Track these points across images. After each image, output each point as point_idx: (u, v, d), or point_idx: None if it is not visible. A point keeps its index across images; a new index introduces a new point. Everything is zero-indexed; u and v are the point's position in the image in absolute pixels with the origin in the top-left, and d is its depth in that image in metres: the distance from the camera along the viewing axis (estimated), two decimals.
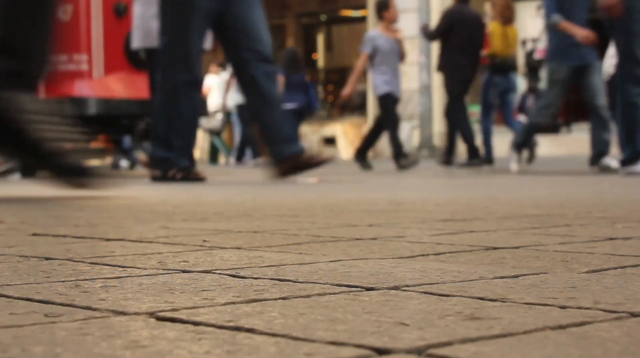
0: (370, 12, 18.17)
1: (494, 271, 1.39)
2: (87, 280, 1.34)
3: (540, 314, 1.02)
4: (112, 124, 9.46)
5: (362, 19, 19.19)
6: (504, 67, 9.95)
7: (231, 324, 0.97)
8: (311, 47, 21.42)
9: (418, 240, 1.93)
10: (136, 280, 1.33)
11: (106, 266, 1.50)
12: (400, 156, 10.15)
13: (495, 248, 1.74)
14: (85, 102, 9.07)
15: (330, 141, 19.64)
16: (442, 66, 10.31)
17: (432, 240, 1.91)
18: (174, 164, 5.92)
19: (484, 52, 9.99)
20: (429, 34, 10.79)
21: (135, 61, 9.19)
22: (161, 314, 1.03)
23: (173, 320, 1.00)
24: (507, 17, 9.98)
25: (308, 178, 6.08)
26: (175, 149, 5.92)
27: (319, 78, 21.21)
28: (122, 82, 9.31)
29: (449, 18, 10.02)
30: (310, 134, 19.96)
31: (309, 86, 13.65)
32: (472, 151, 10.10)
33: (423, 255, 1.64)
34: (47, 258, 1.62)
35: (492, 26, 10.01)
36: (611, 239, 1.91)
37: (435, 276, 1.34)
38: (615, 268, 1.43)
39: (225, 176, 7.97)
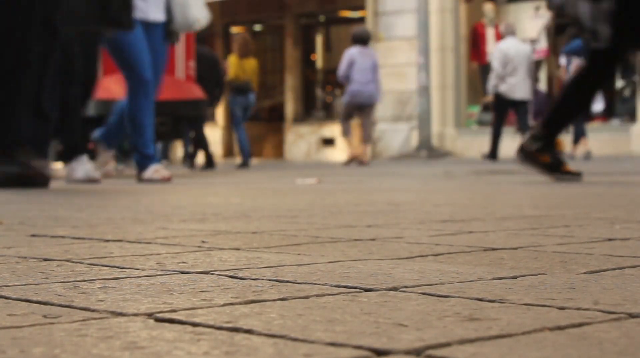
0: (368, 12, 18.17)
1: (492, 272, 1.39)
2: (85, 280, 1.33)
3: (539, 315, 1.02)
4: None
5: (361, 20, 19.19)
6: (242, 89, 12.82)
7: (230, 325, 0.97)
8: (310, 48, 21.41)
9: (417, 240, 1.93)
10: (135, 280, 1.33)
11: (105, 267, 1.50)
12: None
13: (493, 249, 1.74)
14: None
15: (329, 141, 19.63)
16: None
17: (430, 241, 1.91)
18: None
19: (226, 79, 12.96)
20: None
21: None
22: (160, 315, 1.03)
23: (172, 321, 1.00)
24: (244, 52, 12.93)
25: (307, 179, 6.07)
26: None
27: (317, 79, 21.21)
28: (121, 84, 9.30)
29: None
30: (309, 135, 19.97)
31: None
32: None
33: (422, 256, 1.65)
34: (45, 259, 1.62)
35: (230, 59, 13.08)
36: (610, 240, 1.91)
37: (433, 277, 1.34)
38: (613, 269, 1.43)
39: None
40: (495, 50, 13.65)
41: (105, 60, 9.30)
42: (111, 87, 9.21)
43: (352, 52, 12.86)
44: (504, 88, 13.11)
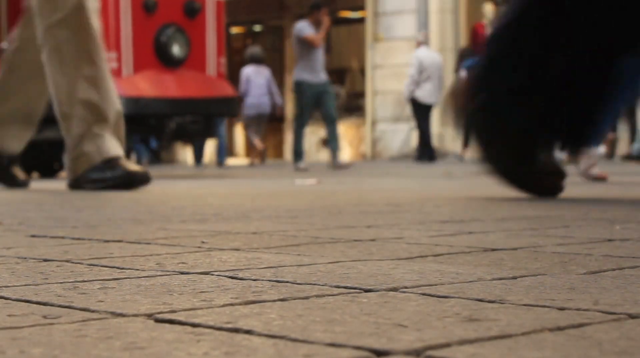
0: (368, 13, 18.17)
1: (492, 273, 1.39)
2: (85, 281, 1.33)
3: (539, 315, 1.02)
4: (140, 124, 9.06)
5: (361, 20, 19.18)
6: None
7: (230, 325, 0.97)
8: None
9: (416, 241, 1.93)
10: (134, 281, 1.33)
11: (104, 268, 1.50)
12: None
13: (493, 250, 1.74)
14: None
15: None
16: None
17: (430, 241, 1.91)
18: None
19: None
20: None
21: (165, 58, 9.02)
22: (159, 315, 1.03)
23: (171, 321, 1.00)
24: None
25: (307, 179, 6.07)
26: None
27: None
28: (152, 81, 9.03)
29: None
30: (308, 136, 19.95)
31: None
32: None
33: (421, 256, 1.64)
34: (45, 260, 1.62)
35: None
36: (609, 240, 1.91)
37: (433, 277, 1.34)
38: (613, 270, 1.43)
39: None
40: (413, 57, 14.97)
41: (135, 57, 9.06)
42: (140, 84, 8.97)
43: (247, 71, 14.82)
44: (419, 93, 14.54)
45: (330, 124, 11.56)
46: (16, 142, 5.27)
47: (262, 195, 4.31)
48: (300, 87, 11.45)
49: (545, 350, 0.84)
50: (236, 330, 0.94)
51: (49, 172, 10.01)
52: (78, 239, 2.03)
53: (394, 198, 3.80)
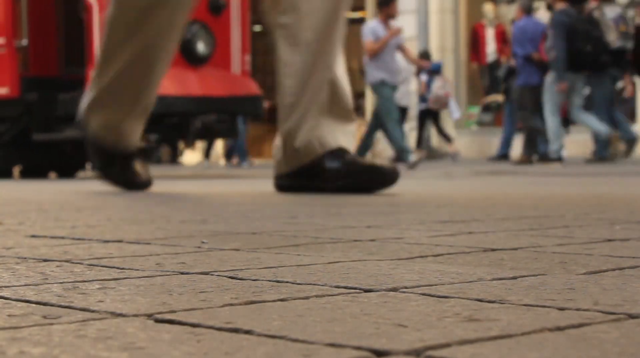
0: (368, 13, 18.16)
1: (492, 273, 1.39)
2: (84, 281, 1.33)
3: (539, 316, 1.02)
4: (164, 122, 8.81)
5: (361, 21, 19.17)
6: None
7: (229, 326, 0.96)
8: None
9: (417, 241, 1.93)
10: (134, 281, 1.33)
11: (104, 268, 1.50)
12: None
13: (493, 250, 1.74)
14: None
15: None
16: None
17: (430, 242, 1.91)
18: None
19: None
20: None
21: (190, 56, 8.85)
22: (159, 316, 1.03)
23: (171, 321, 1.00)
24: None
25: None
26: None
27: None
28: (176, 79, 8.70)
29: None
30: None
31: None
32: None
33: (422, 257, 1.64)
34: (45, 260, 1.62)
35: None
36: (609, 240, 1.91)
37: (433, 277, 1.34)
38: (613, 270, 1.43)
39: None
40: None
41: None
42: (165, 82, 8.79)
43: None
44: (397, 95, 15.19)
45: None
46: (138, 136, 4.82)
47: (262, 195, 4.31)
48: (381, 88, 11.17)
49: (546, 350, 0.84)
50: (236, 330, 0.94)
51: (67, 172, 9.86)
52: (78, 239, 2.03)
53: (393, 198, 3.80)
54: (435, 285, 1.27)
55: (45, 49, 9.45)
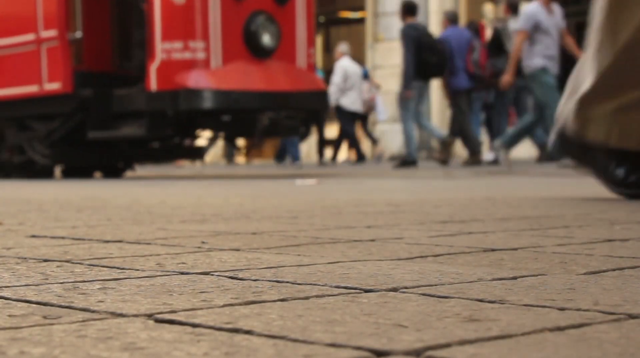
0: (368, 13, 18.15)
1: (492, 273, 1.39)
2: (85, 281, 1.33)
3: (539, 316, 1.02)
4: (231, 119, 8.47)
5: (361, 21, 19.18)
6: None
7: (229, 326, 0.97)
8: None
9: (416, 241, 1.93)
10: (134, 281, 1.33)
11: (104, 268, 1.50)
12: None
13: (493, 250, 1.74)
14: (201, 94, 8.08)
15: (329, 142, 19.64)
16: None
17: (430, 242, 1.91)
18: None
19: None
20: None
21: (255, 48, 8.40)
22: (159, 316, 1.03)
23: (171, 321, 1.00)
24: None
25: (307, 180, 6.07)
26: None
27: None
28: (242, 73, 8.28)
29: None
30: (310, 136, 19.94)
31: None
32: None
33: (421, 257, 1.64)
34: (45, 260, 1.62)
35: None
36: (609, 241, 1.91)
37: (433, 277, 1.34)
38: (613, 270, 1.43)
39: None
40: (337, 66, 15.78)
41: (224, 47, 8.10)
42: (231, 77, 8.28)
43: None
44: (345, 101, 15.47)
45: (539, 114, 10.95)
46: None
47: (262, 195, 4.31)
48: (543, 74, 10.66)
49: (546, 350, 0.84)
50: (236, 330, 0.94)
51: (114, 172, 9.53)
52: (78, 239, 2.03)
53: (394, 199, 3.80)
54: (435, 285, 1.27)
55: (100, 43, 8.92)
